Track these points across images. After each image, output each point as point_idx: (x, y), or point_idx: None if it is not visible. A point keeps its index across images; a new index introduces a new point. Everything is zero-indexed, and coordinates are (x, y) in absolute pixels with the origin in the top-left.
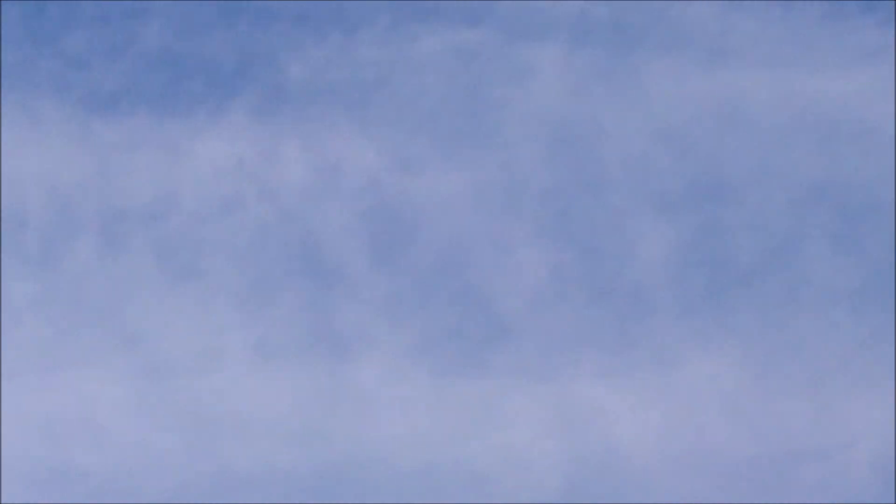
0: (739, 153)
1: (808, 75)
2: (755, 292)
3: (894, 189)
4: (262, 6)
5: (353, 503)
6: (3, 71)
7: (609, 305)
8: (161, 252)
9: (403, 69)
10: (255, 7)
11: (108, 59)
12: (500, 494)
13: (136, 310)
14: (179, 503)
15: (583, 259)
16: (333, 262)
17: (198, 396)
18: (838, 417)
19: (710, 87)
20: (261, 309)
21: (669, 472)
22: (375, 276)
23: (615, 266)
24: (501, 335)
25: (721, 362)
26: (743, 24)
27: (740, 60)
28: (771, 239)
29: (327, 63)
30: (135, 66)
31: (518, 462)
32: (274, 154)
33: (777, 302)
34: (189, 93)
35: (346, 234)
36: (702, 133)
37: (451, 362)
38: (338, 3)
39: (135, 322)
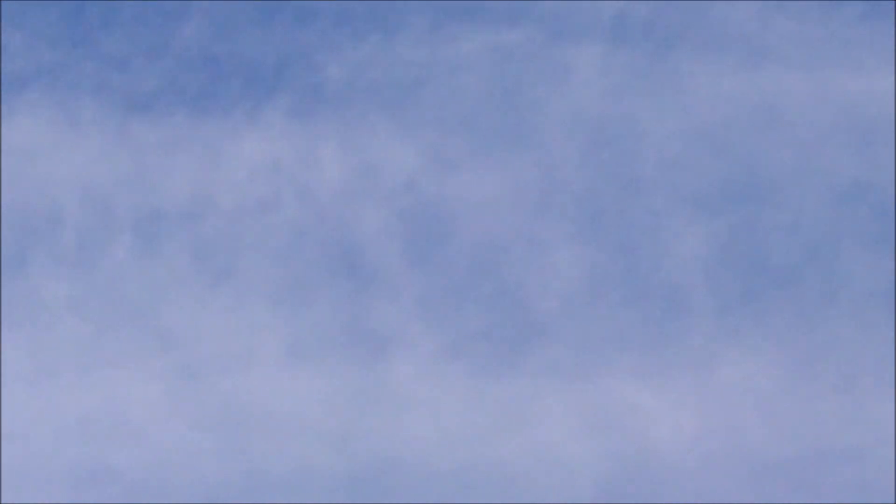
0: (777, 153)
1: (847, 75)
2: (791, 293)
3: None
4: (301, 6)
5: (386, 503)
6: (41, 71)
7: (644, 305)
8: (197, 252)
9: (442, 69)
10: (293, 7)
11: (146, 60)
12: (534, 495)
13: (172, 310)
14: (213, 503)
15: (619, 259)
16: (369, 262)
17: (232, 396)
18: (874, 418)
19: (748, 87)
20: (296, 309)
21: (704, 472)
22: (411, 276)
23: (651, 266)
24: (536, 335)
25: (757, 362)
26: (782, 24)
27: (779, 60)
28: (808, 239)
29: (366, 63)
30: (173, 67)
31: (552, 462)
32: (311, 154)
33: (813, 302)
34: (227, 93)
35: (382, 235)
36: (739, 133)
37: (485, 362)
38: (377, 3)
39: (170, 322)
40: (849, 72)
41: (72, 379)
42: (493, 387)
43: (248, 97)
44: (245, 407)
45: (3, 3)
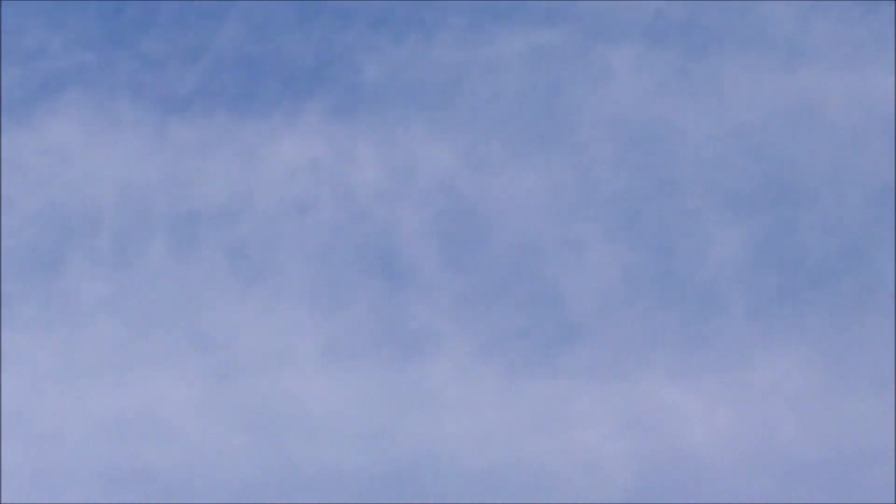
0: (815, 154)
1: (886, 76)
2: (827, 293)
3: None
4: (339, 7)
5: (421, 503)
6: (80, 72)
7: (680, 306)
8: (234, 253)
9: (480, 70)
10: (331, 8)
11: (184, 61)
12: (569, 495)
13: (208, 310)
14: (248, 503)
15: (654, 259)
16: (406, 262)
17: (268, 397)
18: None
19: (786, 87)
20: (332, 309)
21: (739, 472)
22: (447, 276)
23: (686, 267)
24: (572, 335)
25: (792, 363)
26: (820, 25)
27: (817, 61)
28: (844, 240)
29: (404, 64)
30: (211, 68)
31: (587, 462)
32: (349, 155)
33: (849, 303)
34: (265, 94)
35: (419, 235)
36: (777, 134)
37: (521, 362)
38: (415, 3)
39: (206, 323)
40: (887, 73)
41: (108, 379)
42: (528, 387)
43: (286, 98)
44: (280, 407)
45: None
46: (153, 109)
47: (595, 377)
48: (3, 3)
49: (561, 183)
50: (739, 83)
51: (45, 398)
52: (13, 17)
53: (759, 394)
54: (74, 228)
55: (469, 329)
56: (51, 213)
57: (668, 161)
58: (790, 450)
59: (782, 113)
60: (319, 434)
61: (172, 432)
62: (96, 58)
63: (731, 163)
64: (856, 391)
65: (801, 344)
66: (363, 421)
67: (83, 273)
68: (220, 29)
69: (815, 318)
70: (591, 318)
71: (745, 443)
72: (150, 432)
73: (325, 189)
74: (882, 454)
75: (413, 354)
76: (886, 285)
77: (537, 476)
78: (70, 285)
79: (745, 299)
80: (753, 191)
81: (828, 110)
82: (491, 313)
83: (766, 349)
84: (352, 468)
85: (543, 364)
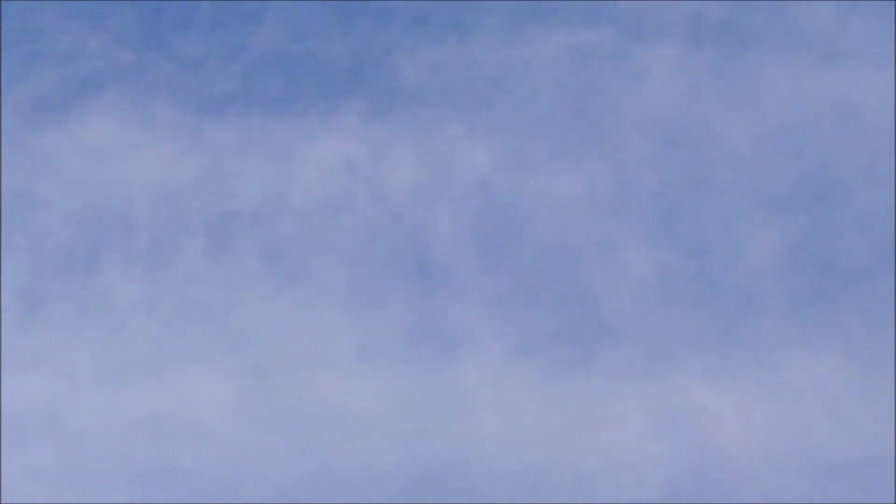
0: (851, 154)
1: None
2: (862, 294)
3: None
4: (377, 7)
5: (456, 503)
6: (117, 73)
7: (715, 306)
8: (269, 253)
9: (518, 71)
10: (369, 8)
11: (221, 62)
12: (604, 494)
13: (243, 311)
14: (283, 503)
15: (690, 260)
16: (441, 262)
17: (303, 397)
18: None
19: (824, 88)
20: (367, 310)
21: (773, 472)
22: (483, 276)
23: (722, 267)
24: (607, 336)
25: (827, 364)
26: (859, 24)
27: (856, 61)
28: (879, 241)
29: (441, 65)
30: (248, 69)
31: (622, 462)
32: (385, 155)
33: (884, 304)
34: (302, 95)
35: (455, 235)
36: (815, 134)
37: (556, 362)
38: (453, 3)
39: (241, 323)
40: None
41: (143, 379)
42: (563, 387)
43: (323, 99)
44: (315, 407)
45: (80, 4)
46: (190, 110)
47: (630, 377)
48: (40, 3)
49: (597, 183)
50: (777, 83)
51: (81, 398)
52: (51, 18)
53: (793, 394)
54: (110, 229)
55: (504, 329)
56: (87, 214)
57: (704, 161)
58: (824, 450)
59: (819, 113)
60: (354, 434)
61: (207, 432)
62: (133, 58)
63: (767, 163)
64: (890, 392)
65: (836, 344)
66: (398, 421)
67: (119, 273)
68: (257, 30)
69: (850, 318)
70: (626, 319)
71: (779, 443)
72: (186, 432)
73: (361, 190)
74: None
75: (448, 355)
76: None
77: (572, 476)
78: (106, 286)
79: (781, 300)
80: (790, 191)
81: (865, 110)
82: (526, 314)
83: (800, 350)
84: (387, 468)
85: (578, 364)
